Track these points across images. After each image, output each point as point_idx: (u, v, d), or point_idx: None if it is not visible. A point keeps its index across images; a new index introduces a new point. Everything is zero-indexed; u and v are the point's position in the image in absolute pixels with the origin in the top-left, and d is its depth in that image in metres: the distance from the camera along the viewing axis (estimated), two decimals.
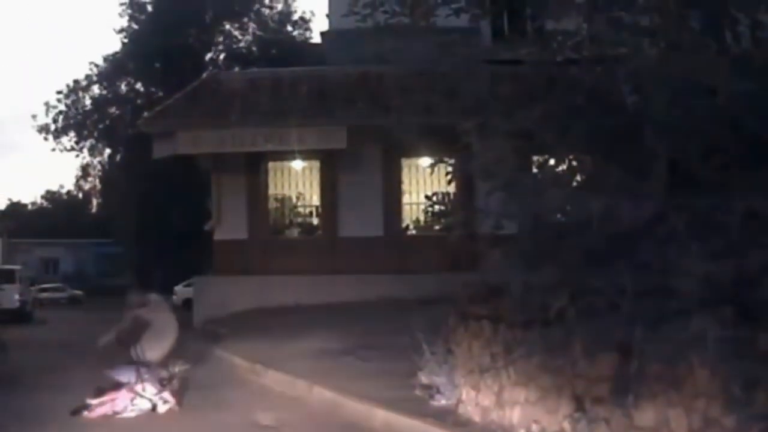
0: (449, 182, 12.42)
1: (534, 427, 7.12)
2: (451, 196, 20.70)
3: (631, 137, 7.19)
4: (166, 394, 10.75)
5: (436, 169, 20.32)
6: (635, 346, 5.95)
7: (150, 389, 10.69)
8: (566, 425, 6.65)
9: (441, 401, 8.89)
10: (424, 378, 9.48)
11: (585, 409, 6.44)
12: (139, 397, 10.65)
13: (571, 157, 7.79)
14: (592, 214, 6.50)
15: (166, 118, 23.44)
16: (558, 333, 6.62)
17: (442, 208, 22.05)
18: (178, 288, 39.04)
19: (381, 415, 9.10)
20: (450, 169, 12.04)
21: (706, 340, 5.46)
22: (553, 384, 6.81)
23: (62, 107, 50.44)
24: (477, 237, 8.48)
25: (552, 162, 7.90)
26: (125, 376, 10.85)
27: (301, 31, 51.55)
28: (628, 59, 7.24)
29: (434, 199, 17.78)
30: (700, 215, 6.13)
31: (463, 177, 13.15)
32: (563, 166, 7.90)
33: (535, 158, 8.24)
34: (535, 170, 8.16)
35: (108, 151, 52.49)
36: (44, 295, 50.25)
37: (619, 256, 6.37)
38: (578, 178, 7.78)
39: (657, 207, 6.37)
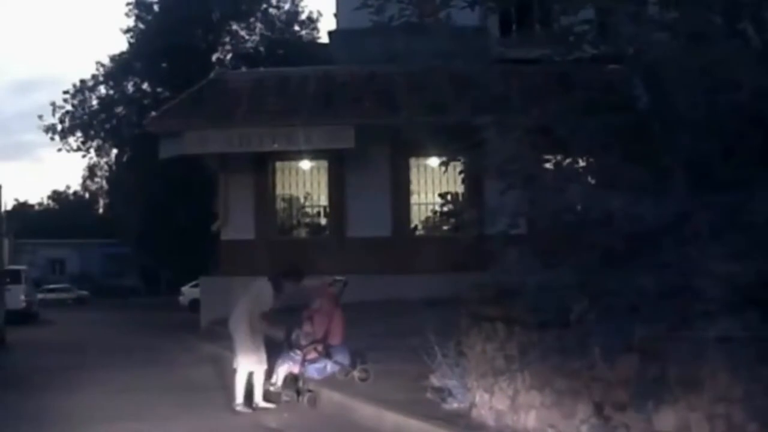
0: (463, 181, 12.23)
1: (550, 431, 6.97)
2: (462, 196, 20.54)
3: (651, 133, 7.04)
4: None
5: (444, 168, 20.17)
6: (656, 348, 5.80)
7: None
8: (583, 430, 6.51)
9: (453, 404, 8.73)
10: (435, 380, 9.34)
11: (603, 414, 6.29)
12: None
13: (589, 154, 7.62)
14: (611, 213, 6.33)
15: (172, 118, 23.29)
16: (575, 335, 6.47)
17: (453, 207, 21.87)
18: (185, 288, 38.95)
19: (391, 418, 8.96)
20: (462, 167, 11.86)
21: (730, 343, 5.32)
22: (570, 387, 6.67)
23: (69, 107, 50.32)
24: (490, 237, 8.32)
25: (569, 159, 7.74)
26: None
27: (308, 31, 51.41)
28: (646, 54, 7.09)
29: (448, 198, 17.53)
30: (723, 214, 5.98)
31: (472, 176, 12.99)
32: (582, 163, 7.74)
33: (551, 156, 8.07)
34: (551, 167, 7.98)
35: (115, 151, 52.46)
36: (51, 295, 50.25)
37: (640, 256, 6.22)
38: (597, 175, 7.61)
39: (679, 206, 6.20)
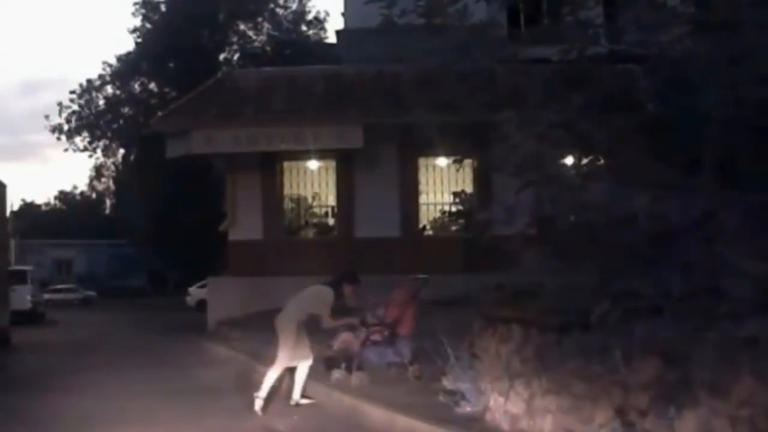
0: (475, 179, 12.10)
1: None
2: (472, 195, 20.41)
3: (675, 130, 6.87)
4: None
5: (454, 168, 20.01)
6: (679, 351, 5.63)
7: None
8: None
9: (466, 408, 8.55)
10: (448, 383, 9.16)
11: (623, 419, 6.11)
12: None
13: (611, 151, 7.44)
14: (634, 211, 6.15)
15: (179, 117, 23.21)
16: (595, 338, 6.30)
17: (462, 208, 21.75)
18: (192, 289, 38.88)
19: (402, 421, 8.79)
20: (474, 166, 11.72)
21: (757, 346, 5.15)
22: (589, 392, 6.49)
23: (75, 107, 50.50)
24: (501, 237, 8.14)
25: (591, 156, 7.57)
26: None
27: (315, 31, 51.46)
28: (668, 47, 6.92)
29: (463, 196, 17.43)
30: (750, 212, 5.81)
31: (483, 175, 12.84)
32: (603, 161, 7.57)
33: (572, 153, 7.88)
34: (571, 165, 7.80)
35: (121, 151, 52.50)
36: (57, 296, 50.21)
37: (664, 255, 6.05)
38: (619, 172, 7.42)
39: (705, 204, 6.02)
